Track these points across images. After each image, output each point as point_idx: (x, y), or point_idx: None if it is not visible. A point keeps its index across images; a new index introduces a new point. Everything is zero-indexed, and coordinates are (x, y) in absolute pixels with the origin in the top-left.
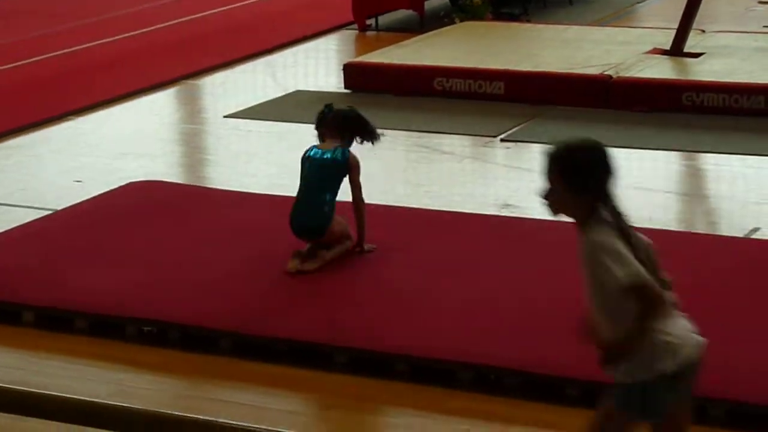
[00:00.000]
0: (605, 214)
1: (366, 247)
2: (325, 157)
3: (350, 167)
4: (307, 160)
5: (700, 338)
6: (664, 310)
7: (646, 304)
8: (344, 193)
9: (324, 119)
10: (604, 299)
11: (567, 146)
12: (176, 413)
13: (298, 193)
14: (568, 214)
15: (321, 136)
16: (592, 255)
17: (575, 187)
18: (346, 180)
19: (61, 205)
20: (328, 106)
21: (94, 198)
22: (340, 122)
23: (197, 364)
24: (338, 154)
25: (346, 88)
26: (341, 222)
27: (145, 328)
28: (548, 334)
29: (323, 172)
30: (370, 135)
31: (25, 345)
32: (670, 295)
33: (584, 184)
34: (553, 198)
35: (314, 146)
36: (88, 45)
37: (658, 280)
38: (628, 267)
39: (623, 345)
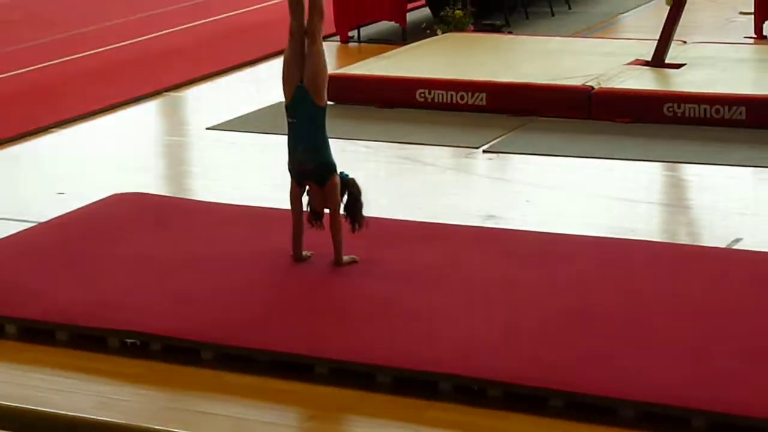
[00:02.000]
0: None
1: (347, 258)
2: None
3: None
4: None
5: None
6: None
7: None
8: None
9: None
10: None
11: None
12: (158, 426)
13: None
14: None
15: None
16: None
17: None
18: None
19: (43, 218)
20: None
21: (77, 210)
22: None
23: (179, 376)
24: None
25: (328, 100)
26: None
27: (128, 340)
28: (531, 345)
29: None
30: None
31: (7, 358)
32: None
33: None
34: None
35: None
36: (70, 57)
37: None
38: None
39: None
